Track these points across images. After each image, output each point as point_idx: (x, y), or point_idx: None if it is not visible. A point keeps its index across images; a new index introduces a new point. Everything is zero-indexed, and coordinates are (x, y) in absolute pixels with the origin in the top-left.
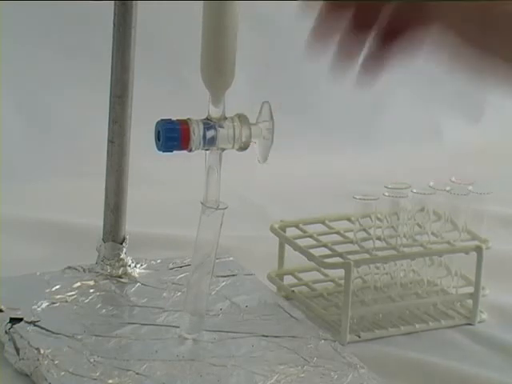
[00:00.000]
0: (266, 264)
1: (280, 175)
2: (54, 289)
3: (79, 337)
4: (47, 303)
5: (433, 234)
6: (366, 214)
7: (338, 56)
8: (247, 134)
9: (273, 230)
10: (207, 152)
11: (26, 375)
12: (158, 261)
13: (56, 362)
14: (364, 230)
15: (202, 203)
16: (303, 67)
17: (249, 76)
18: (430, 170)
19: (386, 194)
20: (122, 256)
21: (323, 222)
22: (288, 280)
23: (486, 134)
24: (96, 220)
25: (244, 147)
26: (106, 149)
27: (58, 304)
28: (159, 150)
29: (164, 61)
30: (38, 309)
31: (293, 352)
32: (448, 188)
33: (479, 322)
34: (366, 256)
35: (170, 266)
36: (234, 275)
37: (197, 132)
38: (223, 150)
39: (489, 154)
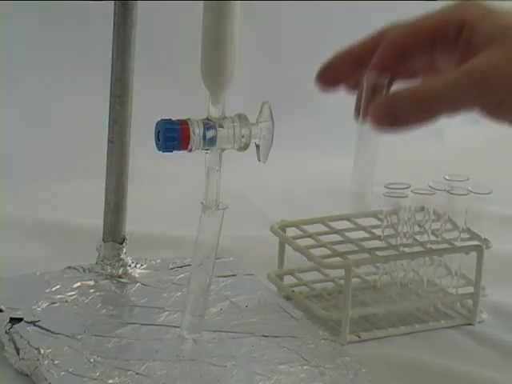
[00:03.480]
0: (266, 264)
1: (280, 175)
2: (54, 289)
3: (79, 337)
4: (47, 303)
5: (433, 233)
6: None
7: None
8: (247, 134)
9: (273, 230)
10: (207, 152)
11: (26, 375)
12: (158, 261)
13: (56, 362)
14: (364, 229)
15: (202, 203)
16: (303, 67)
17: (249, 76)
18: (430, 169)
19: (386, 194)
20: (122, 256)
21: (323, 222)
22: (288, 280)
23: (486, 134)
24: (96, 220)
25: (244, 147)
26: (105, 149)
27: (57, 304)
28: (159, 149)
29: (164, 61)
30: (38, 309)
31: (293, 352)
32: (448, 188)
33: (479, 322)
34: (366, 256)
35: (170, 266)
36: (233, 275)
37: (197, 132)
38: (223, 150)
39: (489, 154)
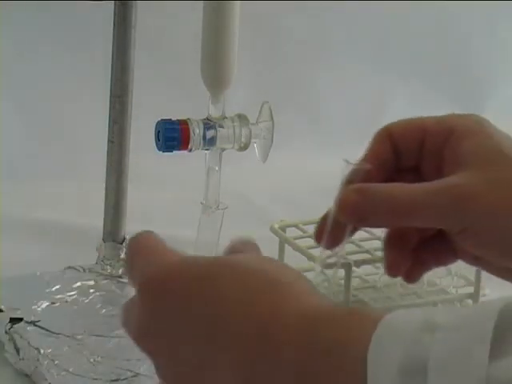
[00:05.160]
0: None
1: (280, 175)
2: (53, 289)
3: (79, 337)
4: (47, 303)
5: None
6: None
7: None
8: (247, 134)
9: (273, 230)
10: (207, 152)
11: (26, 375)
12: None
13: (56, 361)
14: (364, 229)
15: (202, 203)
16: (303, 67)
17: (249, 76)
18: None
19: None
20: (122, 256)
21: None
22: None
23: None
24: (96, 220)
25: (244, 147)
26: (106, 149)
27: (58, 304)
28: (159, 149)
29: (164, 61)
30: (38, 309)
31: None
32: None
33: None
34: (366, 256)
35: None
36: None
37: (197, 132)
38: (223, 149)
39: None
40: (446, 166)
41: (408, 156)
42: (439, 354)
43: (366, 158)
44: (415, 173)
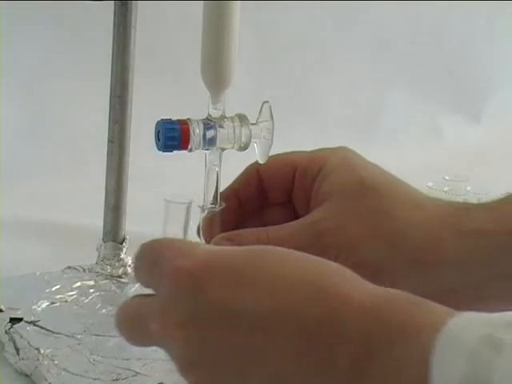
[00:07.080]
0: None
1: None
2: (53, 289)
3: (79, 336)
4: (47, 303)
5: None
6: None
7: None
8: (247, 134)
9: None
10: (207, 152)
11: (26, 375)
12: None
13: (56, 361)
14: None
15: (165, 199)
16: (303, 67)
17: (249, 76)
18: (429, 169)
19: None
20: (122, 256)
21: None
22: None
23: (486, 134)
24: (96, 220)
25: (244, 147)
26: (105, 149)
27: (58, 304)
28: (159, 149)
29: (164, 60)
30: (38, 309)
31: None
32: (446, 188)
33: None
34: None
35: None
36: None
37: (197, 132)
38: (223, 149)
39: (489, 153)
40: (312, 202)
41: (278, 192)
42: (502, 378)
43: (228, 194)
44: (290, 208)
